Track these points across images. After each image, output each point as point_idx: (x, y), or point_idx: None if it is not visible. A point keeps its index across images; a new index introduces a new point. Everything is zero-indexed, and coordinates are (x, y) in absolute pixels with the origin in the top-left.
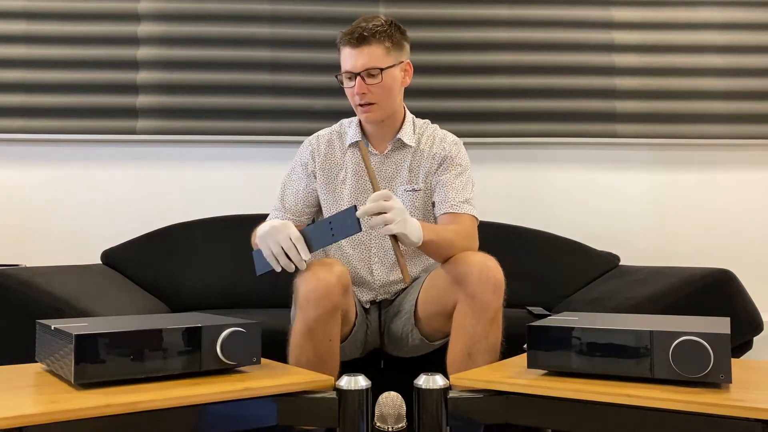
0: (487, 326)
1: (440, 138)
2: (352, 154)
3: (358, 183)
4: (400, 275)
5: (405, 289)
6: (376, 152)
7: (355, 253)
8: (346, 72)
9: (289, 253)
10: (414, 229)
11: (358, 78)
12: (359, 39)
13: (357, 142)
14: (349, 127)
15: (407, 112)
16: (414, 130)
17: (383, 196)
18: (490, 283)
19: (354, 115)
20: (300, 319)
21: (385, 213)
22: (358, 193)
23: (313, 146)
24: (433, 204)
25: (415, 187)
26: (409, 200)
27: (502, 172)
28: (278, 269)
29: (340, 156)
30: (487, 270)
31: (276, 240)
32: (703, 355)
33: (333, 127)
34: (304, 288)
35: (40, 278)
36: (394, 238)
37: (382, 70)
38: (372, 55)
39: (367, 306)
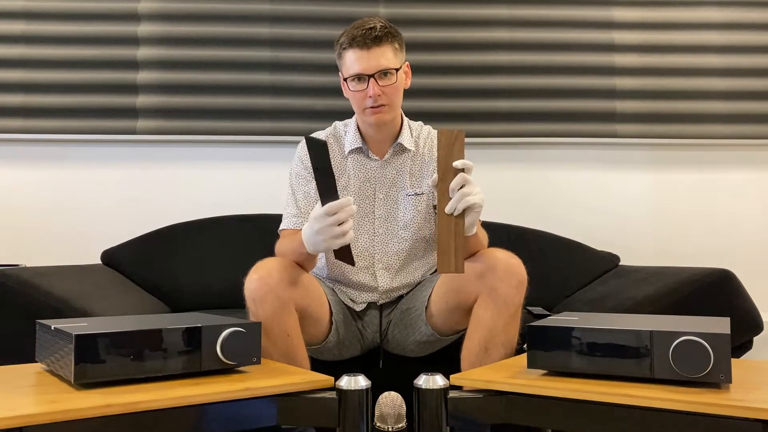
0: (507, 320)
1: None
2: (353, 160)
3: (361, 190)
4: (404, 281)
5: (410, 291)
6: (376, 158)
7: (357, 260)
8: (356, 75)
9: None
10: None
11: (371, 80)
12: (373, 40)
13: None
14: (345, 132)
15: (403, 115)
16: (411, 133)
17: (466, 166)
18: (514, 278)
19: (349, 117)
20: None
21: (467, 186)
22: (361, 200)
23: None
24: (434, 207)
25: (417, 191)
26: (411, 205)
27: (502, 172)
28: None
29: (340, 161)
30: (511, 266)
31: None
32: (703, 355)
33: (327, 130)
34: (248, 290)
35: (40, 278)
36: (461, 221)
37: (396, 70)
38: (385, 55)
39: (363, 307)
